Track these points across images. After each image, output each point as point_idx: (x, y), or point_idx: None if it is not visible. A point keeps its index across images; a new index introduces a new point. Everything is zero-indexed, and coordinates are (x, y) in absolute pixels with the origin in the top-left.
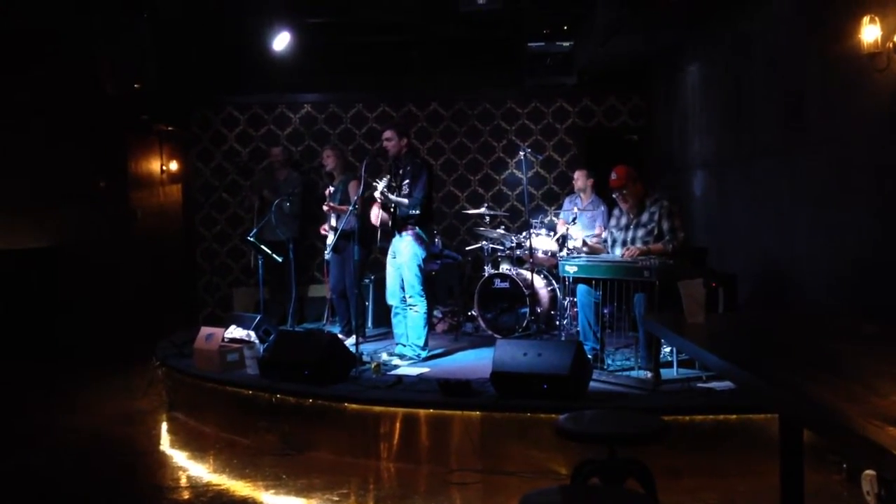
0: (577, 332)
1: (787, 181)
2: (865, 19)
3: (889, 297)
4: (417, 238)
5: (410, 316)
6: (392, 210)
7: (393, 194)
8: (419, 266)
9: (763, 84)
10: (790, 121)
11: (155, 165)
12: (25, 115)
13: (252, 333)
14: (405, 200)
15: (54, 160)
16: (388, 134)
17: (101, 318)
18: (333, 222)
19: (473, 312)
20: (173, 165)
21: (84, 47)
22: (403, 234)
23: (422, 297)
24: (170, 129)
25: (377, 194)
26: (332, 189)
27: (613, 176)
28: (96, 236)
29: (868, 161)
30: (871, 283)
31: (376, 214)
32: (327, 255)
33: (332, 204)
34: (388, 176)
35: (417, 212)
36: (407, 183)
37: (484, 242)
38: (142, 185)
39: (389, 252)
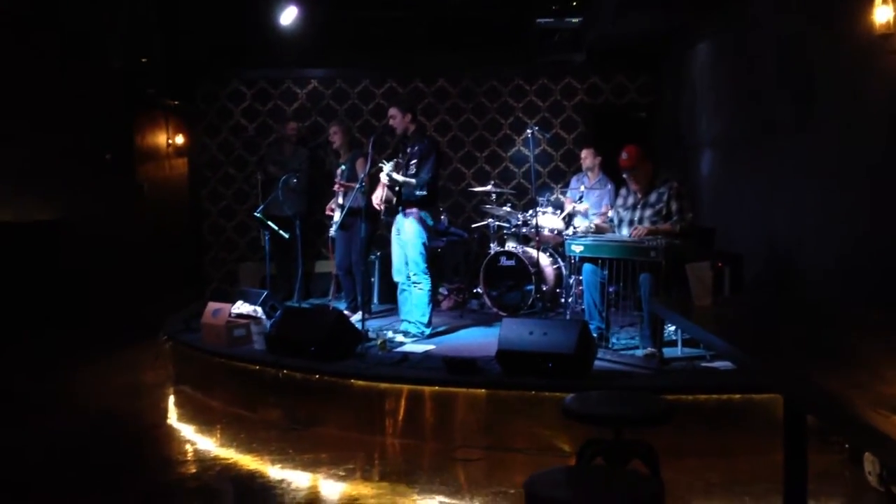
0: (583, 310)
1: (797, 161)
2: (878, 0)
3: None
4: (420, 219)
5: (414, 293)
6: (397, 189)
7: (399, 173)
8: (423, 244)
9: (774, 63)
10: (801, 100)
11: (161, 139)
12: (31, 87)
13: (259, 309)
14: (413, 181)
15: (60, 133)
16: (392, 112)
17: (107, 292)
18: (341, 200)
19: (479, 290)
20: (179, 139)
21: (91, 20)
22: (408, 213)
23: (426, 274)
24: (176, 103)
25: (383, 176)
26: (343, 168)
27: (624, 156)
28: (102, 209)
29: (879, 142)
30: (878, 266)
31: (378, 196)
32: (332, 231)
33: (342, 182)
34: (397, 158)
35: (423, 192)
36: (414, 163)
37: (490, 220)
38: (148, 159)
39: (393, 229)
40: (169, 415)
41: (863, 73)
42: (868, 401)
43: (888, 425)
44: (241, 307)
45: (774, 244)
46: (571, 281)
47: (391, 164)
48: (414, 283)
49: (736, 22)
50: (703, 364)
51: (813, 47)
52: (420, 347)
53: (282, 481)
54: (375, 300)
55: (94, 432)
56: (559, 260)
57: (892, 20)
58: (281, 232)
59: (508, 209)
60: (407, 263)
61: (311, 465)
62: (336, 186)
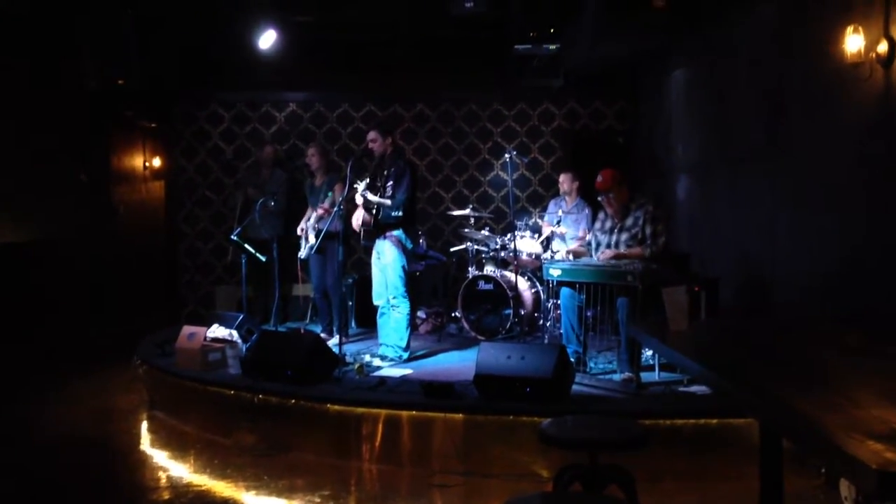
0: (561, 334)
1: (770, 186)
2: (849, 29)
3: (869, 302)
4: (399, 241)
5: (393, 317)
6: (374, 211)
7: (376, 195)
8: (403, 267)
9: (747, 90)
10: (774, 126)
11: (138, 161)
12: (7, 108)
13: (234, 333)
14: (388, 202)
15: (36, 154)
16: (372, 135)
17: (80, 315)
18: (316, 222)
19: (457, 314)
20: (156, 162)
21: (67, 42)
22: (386, 236)
23: (405, 298)
24: (153, 125)
25: (357, 196)
26: (329, 193)
27: (599, 178)
28: (77, 231)
29: (850, 167)
30: (851, 288)
31: (358, 217)
32: (302, 254)
33: (326, 207)
34: (368, 178)
35: (399, 213)
36: (390, 184)
37: (468, 244)
38: (124, 181)
39: (374, 253)
40: (142, 440)
41: (834, 100)
42: (842, 425)
43: (862, 450)
44: (216, 331)
45: (749, 268)
46: (549, 305)
47: (363, 183)
48: (393, 306)
49: (711, 50)
50: (681, 389)
51: (786, 75)
52: (397, 371)
53: None
54: (353, 324)
55: (65, 458)
56: (537, 284)
57: (862, 49)
58: (258, 255)
59: (487, 233)
60: (387, 287)
61: (286, 492)
62: (321, 212)
